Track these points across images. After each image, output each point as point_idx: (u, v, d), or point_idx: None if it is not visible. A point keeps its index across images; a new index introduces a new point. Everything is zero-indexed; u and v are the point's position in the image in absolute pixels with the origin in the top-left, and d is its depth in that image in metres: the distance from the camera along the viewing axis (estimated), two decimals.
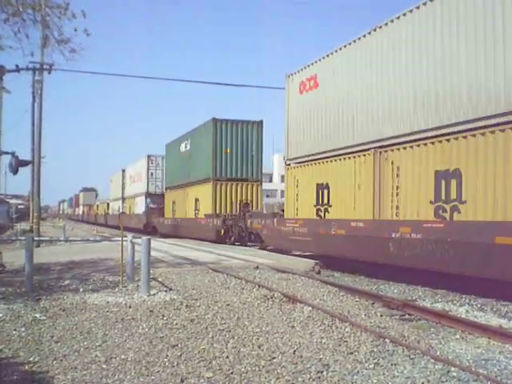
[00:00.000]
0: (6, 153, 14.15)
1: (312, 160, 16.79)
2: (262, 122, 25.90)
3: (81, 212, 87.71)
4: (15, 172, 14.68)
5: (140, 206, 39.56)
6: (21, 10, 11.91)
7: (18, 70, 19.31)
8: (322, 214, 15.96)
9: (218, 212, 24.86)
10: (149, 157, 37.94)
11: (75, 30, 12.23)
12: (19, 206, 56.13)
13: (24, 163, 15.24)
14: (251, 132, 25.69)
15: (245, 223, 22.94)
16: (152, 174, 37.66)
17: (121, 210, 46.79)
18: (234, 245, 23.06)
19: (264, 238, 20.27)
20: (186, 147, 29.76)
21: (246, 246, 22.50)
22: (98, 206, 68.90)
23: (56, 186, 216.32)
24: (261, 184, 25.87)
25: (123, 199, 47.36)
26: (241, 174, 25.53)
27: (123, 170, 47.71)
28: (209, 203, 25.47)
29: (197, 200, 27.67)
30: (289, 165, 18.37)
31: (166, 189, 34.28)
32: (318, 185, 16.30)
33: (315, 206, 16.36)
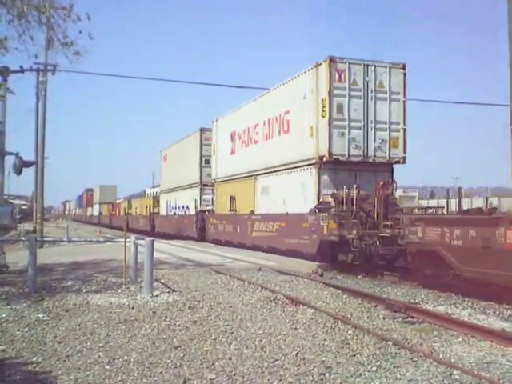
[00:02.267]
0: (10, 153, 14.15)
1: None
2: None
3: (96, 212, 67.61)
4: (19, 173, 14.67)
5: (293, 196, 17.63)
6: (25, 11, 11.95)
7: (21, 70, 19.31)
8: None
9: None
10: (331, 61, 15.33)
11: (80, 33, 12.22)
12: (22, 207, 56.28)
13: (28, 164, 15.23)
14: None
15: None
16: (340, 106, 15.53)
17: (198, 208, 27.08)
18: None
19: None
20: None
21: None
22: (130, 203, 48.17)
23: (59, 186, 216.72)
24: None
25: (202, 186, 27.02)
26: None
27: (201, 130, 27.12)
28: None
29: None
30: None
31: None
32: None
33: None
